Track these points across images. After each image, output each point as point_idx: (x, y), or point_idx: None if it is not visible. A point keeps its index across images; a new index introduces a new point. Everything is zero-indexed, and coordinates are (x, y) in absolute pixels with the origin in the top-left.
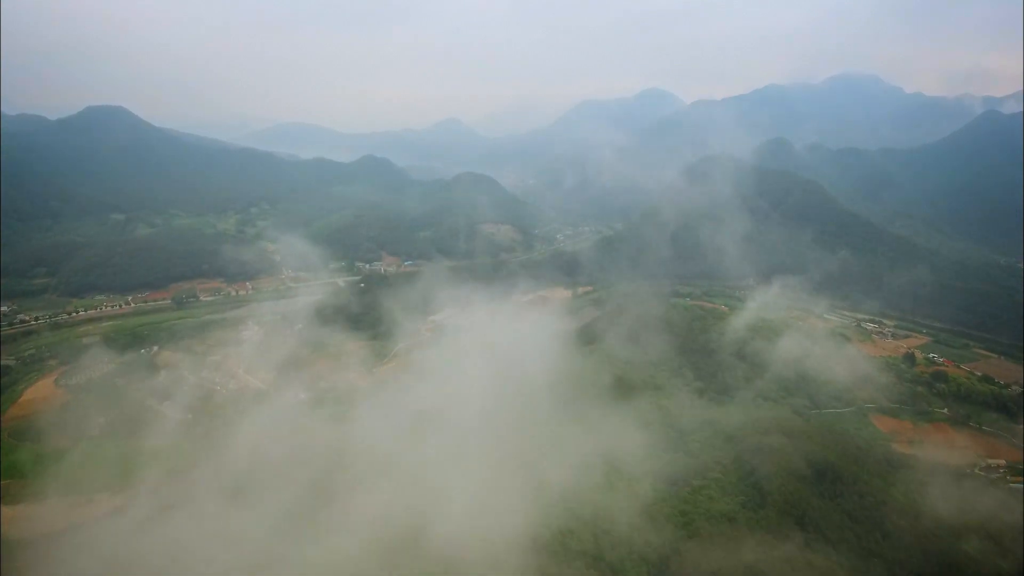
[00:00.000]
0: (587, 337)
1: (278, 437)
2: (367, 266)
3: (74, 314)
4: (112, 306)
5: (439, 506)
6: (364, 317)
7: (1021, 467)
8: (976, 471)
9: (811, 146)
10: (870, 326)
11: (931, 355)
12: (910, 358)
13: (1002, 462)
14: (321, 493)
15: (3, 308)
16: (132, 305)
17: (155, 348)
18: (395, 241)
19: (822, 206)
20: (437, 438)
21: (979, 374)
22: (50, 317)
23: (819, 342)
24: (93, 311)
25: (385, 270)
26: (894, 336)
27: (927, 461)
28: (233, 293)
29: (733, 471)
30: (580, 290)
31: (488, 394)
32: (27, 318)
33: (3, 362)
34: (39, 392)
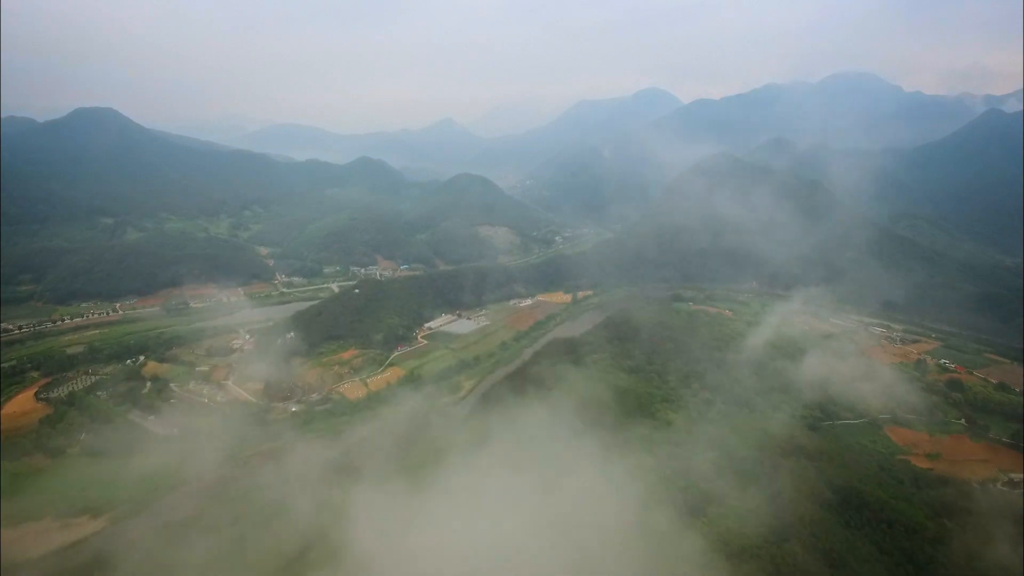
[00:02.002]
0: (589, 347)
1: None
2: (362, 270)
3: (59, 322)
4: (99, 314)
5: None
6: (358, 324)
7: None
8: (999, 486)
9: (813, 145)
10: (878, 330)
11: (942, 361)
12: (922, 365)
13: None
14: None
15: None
16: (120, 312)
17: (141, 358)
18: (391, 244)
19: (826, 207)
20: None
21: (994, 381)
22: (34, 326)
23: (828, 349)
24: (79, 319)
25: (381, 274)
26: (903, 341)
27: (949, 478)
28: (224, 299)
29: (751, 497)
30: (580, 294)
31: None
32: (10, 327)
33: None
34: (18, 406)
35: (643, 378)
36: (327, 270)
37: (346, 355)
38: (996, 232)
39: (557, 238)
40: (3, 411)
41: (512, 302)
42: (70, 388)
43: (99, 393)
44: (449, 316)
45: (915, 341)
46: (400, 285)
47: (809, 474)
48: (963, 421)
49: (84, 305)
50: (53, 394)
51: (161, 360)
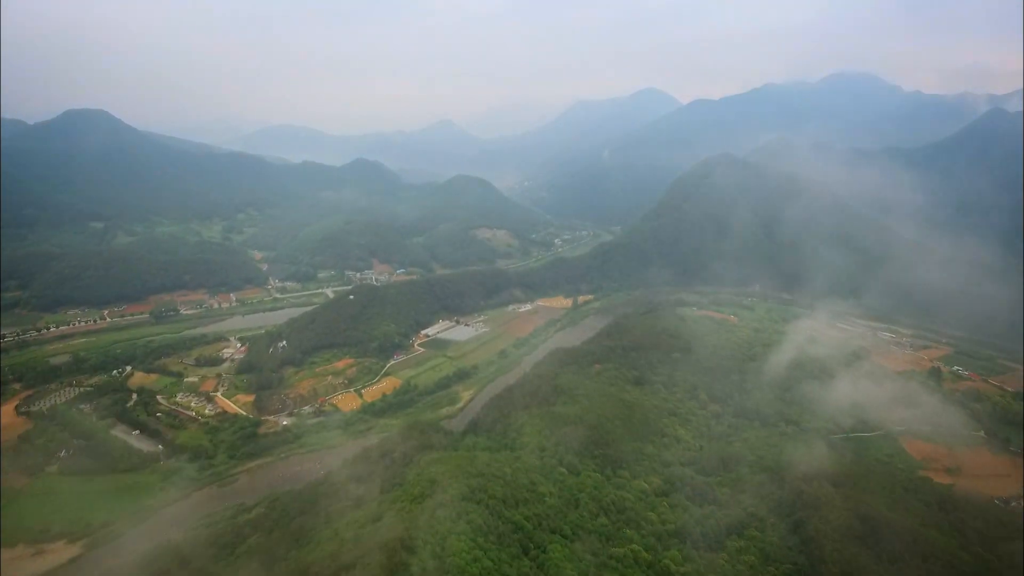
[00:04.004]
0: (592, 356)
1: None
2: (358, 275)
3: (44, 331)
4: (86, 321)
5: None
6: (353, 332)
7: None
8: None
9: (816, 145)
10: (887, 336)
11: (955, 368)
12: (936, 373)
13: None
14: None
15: None
16: (108, 320)
17: (128, 368)
18: (386, 248)
19: (830, 209)
20: None
21: (1010, 390)
22: (18, 334)
23: (838, 357)
24: (65, 327)
25: (376, 279)
26: (912, 347)
27: (973, 497)
28: (216, 305)
29: (772, 527)
30: (581, 299)
31: None
32: None
33: None
34: None
35: (649, 389)
36: (322, 274)
37: (340, 364)
38: (1003, 234)
39: (556, 240)
40: None
41: (511, 307)
42: (52, 401)
43: (82, 406)
44: (447, 322)
45: (925, 347)
46: (396, 290)
47: (835, 501)
48: (982, 433)
49: (71, 312)
50: (34, 407)
51: (148, 371)
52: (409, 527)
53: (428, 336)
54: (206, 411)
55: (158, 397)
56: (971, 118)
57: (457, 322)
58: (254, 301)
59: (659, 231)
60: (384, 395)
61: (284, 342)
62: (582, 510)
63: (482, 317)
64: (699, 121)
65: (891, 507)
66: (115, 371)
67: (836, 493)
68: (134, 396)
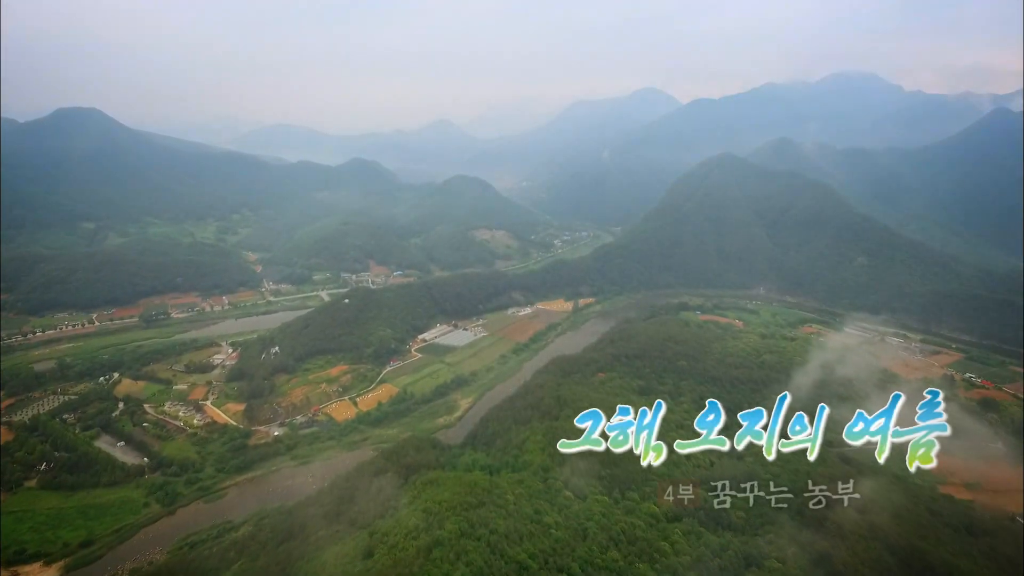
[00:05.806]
0: (595, 364)
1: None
2: (354, 277)
3: (30, 335)
4: (74, 325)
5: None
6: (348, 337)
7: None
8: None
9: (818, 146)
10: (895, 341)
11: (968, 375)
12: (949, 381)
13: None
14: None
15: None
16: (96, 324)
17: (115, 375)
18: (383, 249)
19: (834, 210)
20: None
21: None
22: (3, 339)
23: (848, 363)
24: (52, 331)
25: (373, 281)
26: (923, 352)
27: (1000, 517)
28: (208, 309)
29: (794, 558)
30: (581, 302)
31: None
32: None
33: None
34: None
35: (655, 400)
36: (317, 277)
37: (334, 371)
38: (1009, 236)
39: (556, 242)
40: None
41: (511, 311)
42: (35, 410)
43: (66, 416)
44: (445, 326)
45: (935, 352)
46: (393, 293)
47: (860, 530)
48: (999, 444)
49: (58, 316)
50: (16, 417)
51: (136, 377)
52: (402, 572)
53: (425, 341)
54: (195, 421)
55: (145, 406)
56: (973, 118)
57: (455, 326)
58: (247, 304)
59: (660, 232)
60: (380, 403)
61: (277, 348)
62: (591, 542)
63: (481, 321)
64: (699, 121)
65: (919, 534)
66: (101, 378)
67: (861, 520)
68: (120, 405)
